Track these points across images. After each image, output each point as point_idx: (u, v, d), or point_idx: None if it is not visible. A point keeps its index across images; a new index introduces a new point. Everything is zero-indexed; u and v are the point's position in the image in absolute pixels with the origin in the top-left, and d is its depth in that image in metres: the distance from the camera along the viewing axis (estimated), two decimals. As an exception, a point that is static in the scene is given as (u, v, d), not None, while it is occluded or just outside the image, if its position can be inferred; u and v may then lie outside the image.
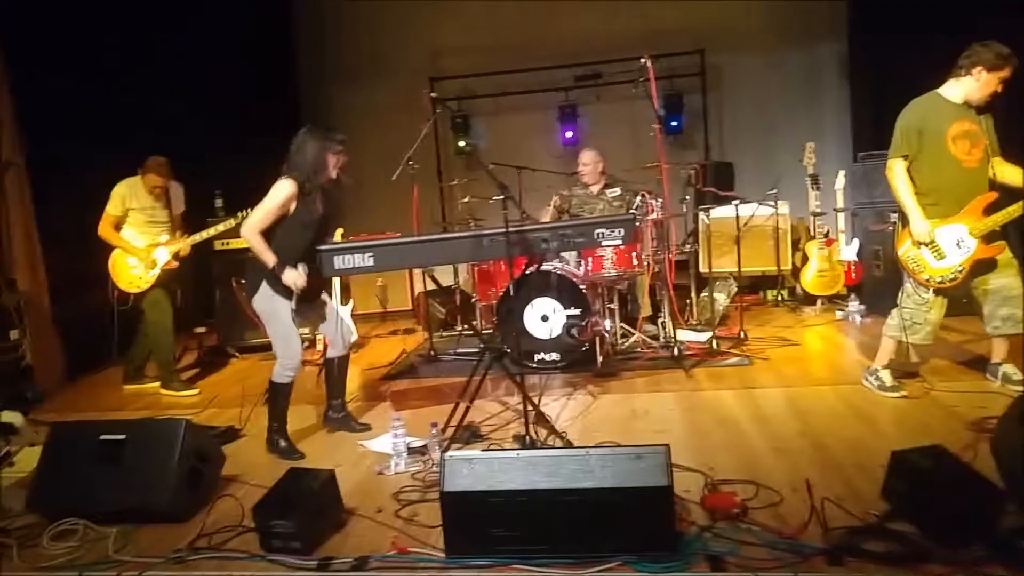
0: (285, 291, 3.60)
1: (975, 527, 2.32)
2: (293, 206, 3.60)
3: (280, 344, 3.73)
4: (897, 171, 3.76)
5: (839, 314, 6.03)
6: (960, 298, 3.89)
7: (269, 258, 3.55)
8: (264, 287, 3.63)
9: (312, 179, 3.60)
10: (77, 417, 4.46)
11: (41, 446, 3.25)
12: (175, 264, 5.11)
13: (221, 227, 5.23)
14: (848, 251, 6.23)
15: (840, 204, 6.32)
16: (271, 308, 3.66)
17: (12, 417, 3.42)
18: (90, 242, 5.03)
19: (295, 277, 3.55)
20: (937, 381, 4.07)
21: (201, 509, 3.03)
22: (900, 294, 3.92)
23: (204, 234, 5.21)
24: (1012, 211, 3.59)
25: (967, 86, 3.69)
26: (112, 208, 4.96)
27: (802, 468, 3.05)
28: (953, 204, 3.70)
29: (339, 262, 3.57)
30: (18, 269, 5.31)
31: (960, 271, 3.68)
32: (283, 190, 3.56)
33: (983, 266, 3.70)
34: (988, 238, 3.67)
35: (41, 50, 5.63)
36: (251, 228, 3.56)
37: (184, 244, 5.14)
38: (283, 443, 3.75)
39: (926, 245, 3.72)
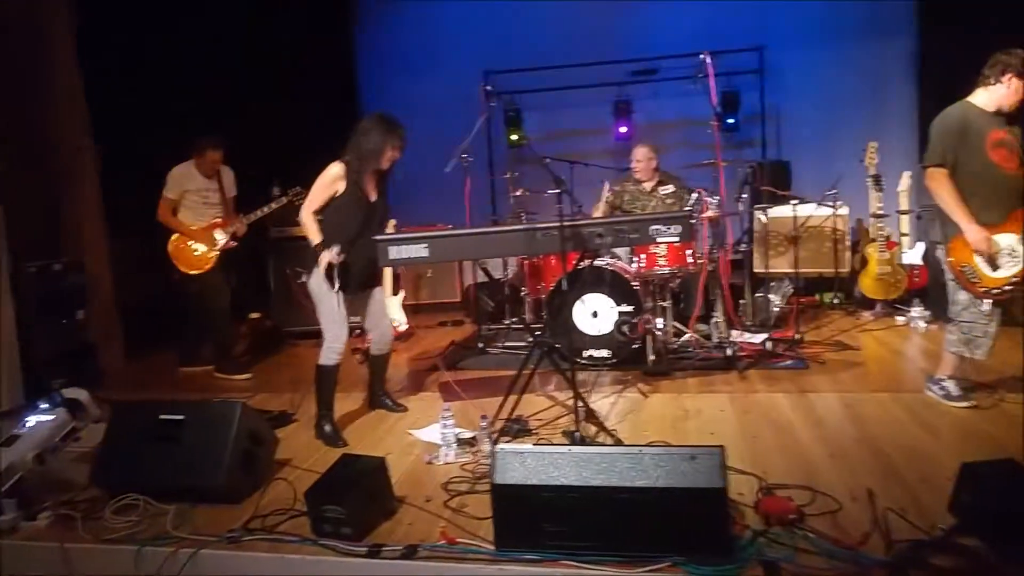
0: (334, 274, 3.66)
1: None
2: (341, 187, 3.69)
3: (327, 326, 3.79)
4: (941, 179, 3.64)
5: (900, 319, 5.85)
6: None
7: (314, 236, 3.65)
8: (317, 269, 3.70)
9: (363, 164, 3.68)
10: (135, 397, 4.56)
11: (105, 423, 3.34)
12: (232, 244, 5.21)
13: (274, 205, 5.31)
14: (912, 254, 6.04)
15: (903, 206, 6.13)
16: (321, 291, 3.73)
17: (78, 394, 3.51)
18: (150, 225, 5.15)
19: (327, 255, 3.59)
20: (1007, 392, 3.92)
21: (255, 491, 3.07)
22: (951, 308, 3.80)
23: (259, 213, 5.30)
24: None
25: (998, 94, 3.62)
26: (169, 192, 5.08)
27: (861, 477, 2.96)
28: (998, 212, 3.60)
29: (394, 252, 3.60)
30: (85, 251, 5.46)
31: (1015, 281, 3.58)
32: (329, 171, 3.69)
33: None
34: None
35: (110, 37, 5.78)
36: (304, 207, 3.72)
37: (240, 224, 5.23)
38: (327, 427, 3.79)
39: (982, 255, 3.60)
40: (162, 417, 3.15)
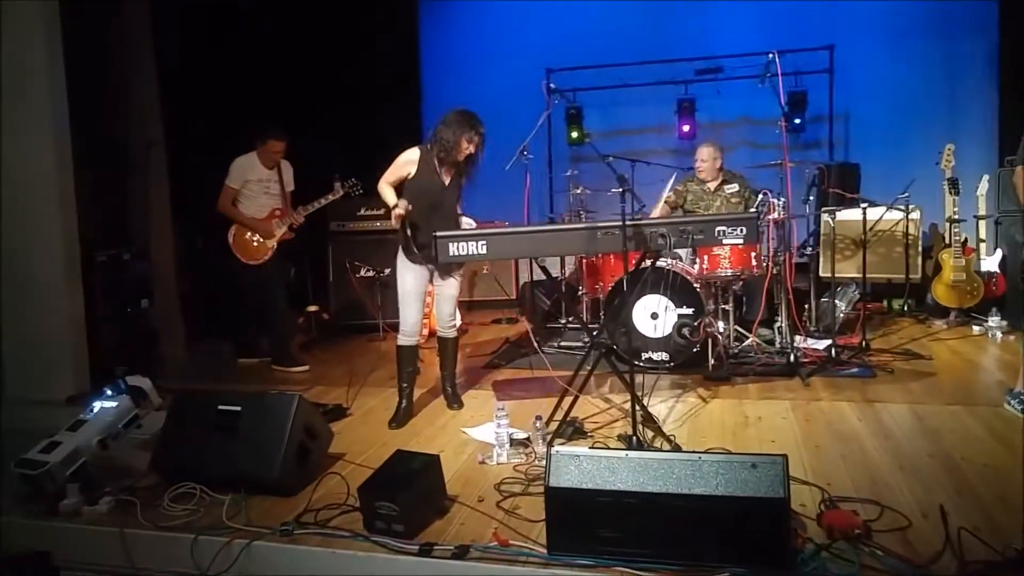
0: (412, 258, 3.93)
1: None
2: (412, 171, 3.94)
3: (400, 309, 4.05)
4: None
5: (976, 329, 5.60)
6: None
7: (390, 199, 3.89)
8: (399, 254, 4.00)
9: (438, 151, 3.92)
10: (195, 386, 4.64)
11: (165, 411, 3.40)
12: (291, 235, 5.27)
13: (331, 197, 5.38)
14: (990, 262, 5.78)
15: (982, 211, 5.86)
16: (398, 275, 4.03)
17: (141, 382, 3.60)
18: (212, 216, 5.25)
19: (397, 210, 3.81)
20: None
21: (308, 484, 3.09)
22: None
23: (317, 204, 5.35)
24: None
25: None
26: (231, 181, 5.15)
27: (933, 493, 2.82)
28: None
29: (453, 249, 3.61)
30: (151, 241, 5.58)
31: None
32: (405, 153, 4.00)
33: None
34: None
35: (184, 35, 5.95)
36: (382, 180, 4.00)
37: (298, 215, 5.28)
38: (402, 403, 4.03)
39: None
40: (220, 407, 3.18)
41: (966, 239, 5.79)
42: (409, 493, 2.65)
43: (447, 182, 4.00)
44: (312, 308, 6.54)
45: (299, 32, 7.18)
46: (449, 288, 4.14)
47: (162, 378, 4.76)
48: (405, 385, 4.06)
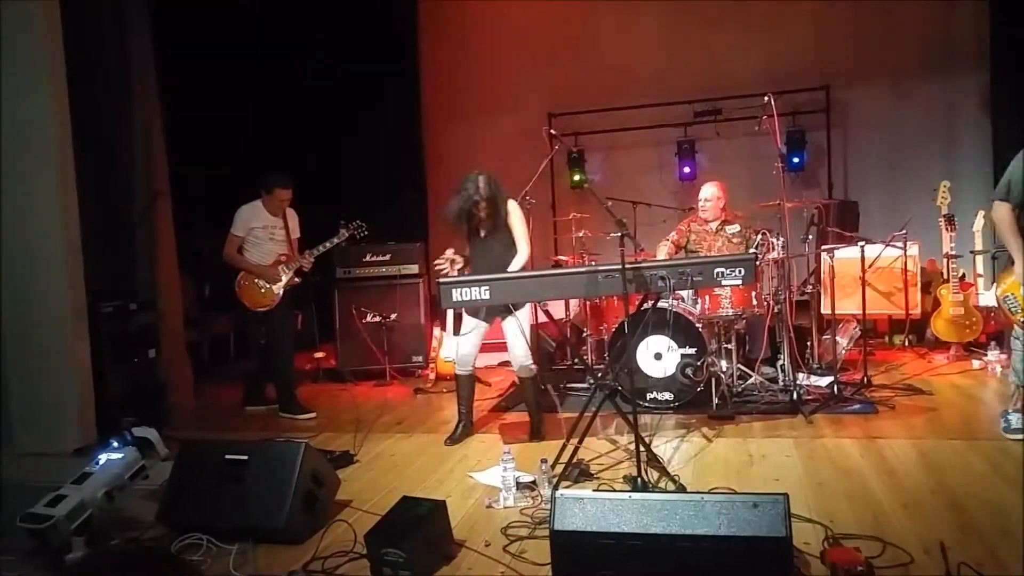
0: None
1: None
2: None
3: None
4: (1001, 213, 3.80)
5: (976, 363, 5.65)
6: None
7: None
8: None
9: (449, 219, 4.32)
10: (201, 435, 4.63)
11: (172, 461, 3.42)
12: (297, 281, 5.28)
13: (337, 240, 5.42)
14: (988, 296, 5.82)
15: (978, 246, 5.94)
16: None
17: (148, 433, 3.63)
18: (217, 264, 5.27)
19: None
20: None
21: (316, 532, 3.10)
22: (1011, 337, 3.96)
23: (323, 247, 5.38)
24: None
25: None
26: (236, 230, 5.18)
27: (935, 529, 2.86)
28: None
29: (456, 295, 3.70)
30: (158, 291, 5.61)
31: None
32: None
33: None
34: None
35: (187, 85, 6.08)
36: None
37: (305, 259, 5.29)
38: (457, 427, 4.43)
39: None
40: (227, 457, 3.20)
41: (964, 274, 5.86)
42: (416, 539, 2.67)
43: (483, 235, 4.30)
44: (319, 354, 6.59)
45: (304, 79, 7.35)
46: (510, 325, 4.31)
47: (170, 428, 4.81)
48: (459, 414, 4.48)
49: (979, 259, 5.94)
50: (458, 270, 4.26)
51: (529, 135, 6.88)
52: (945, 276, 5.87)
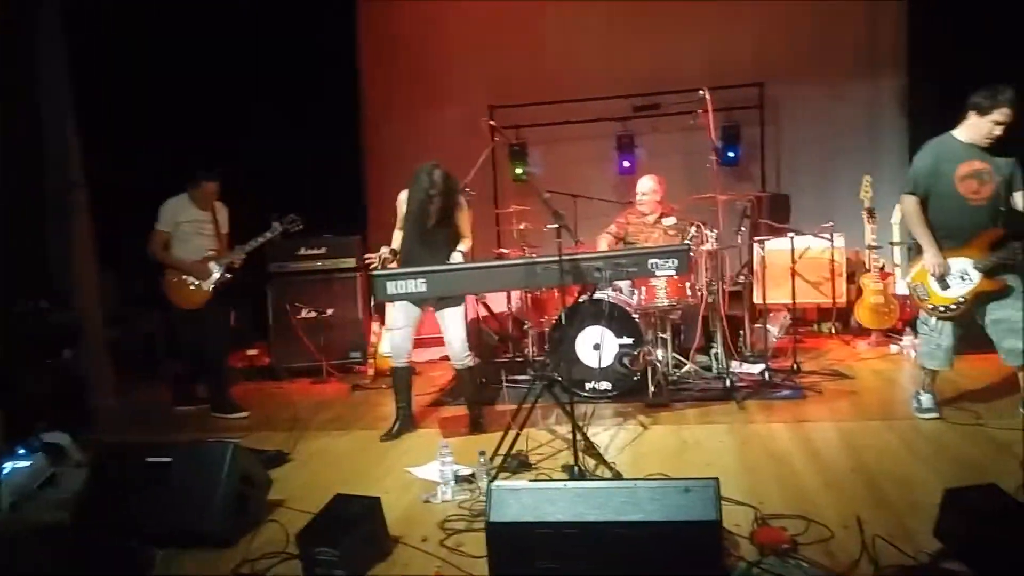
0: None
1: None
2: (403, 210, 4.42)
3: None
4: (909, 205, 4.02)
5: (893, 348, 5.94)
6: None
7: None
8: None
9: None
10: (127, 438, 4.54)
11: (87, 467, 3.28)
12: (228, 277, 5.13)
13: (269, 234, 5.25)
14: (904, 285, 6.11)
15: (896, 238, 6.23)
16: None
17: (59, 438, 3.47)
18: (143, 261, 5.08)
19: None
20: (993, 417, 4.02)
21: (247, 534, 3.05)
22: (918, 322, 4.22)
23: (255, 242, 5.22)
24: (1017, 249, 3.80)
25: (967, 128, 3.91)
26: (161, 225, 5.01)
27: (854, 504, 3.03)
28: (957, 239, 3.93)
29: (392, 288, 3.71)
30: (76, 288, 5.35)
31: (962, 301, 3.90)
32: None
33: (987, 297, 3.90)
34: (992, 272, 3.87)
35: (103, 71, 5.80)
36: None
37: (236, 255, 5.14)
38: (394, 423, 4.43)
39: (935, 276, 3.92)
40: (149, 460, 3.09)
41: (884, 264, 6.13)
42: (349, 537, 2.64)
43: (430, 225, 4.28)
44: (252, 352, 6.46)
45: (234, 68, 7.15)
46: (447, 318, 4.35)
47: (91, 431, 4.58)
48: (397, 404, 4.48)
49: (897, 250, 6.23)
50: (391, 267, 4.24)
51: (470, 127, 6.87)
52: (867, 266, 6.14)
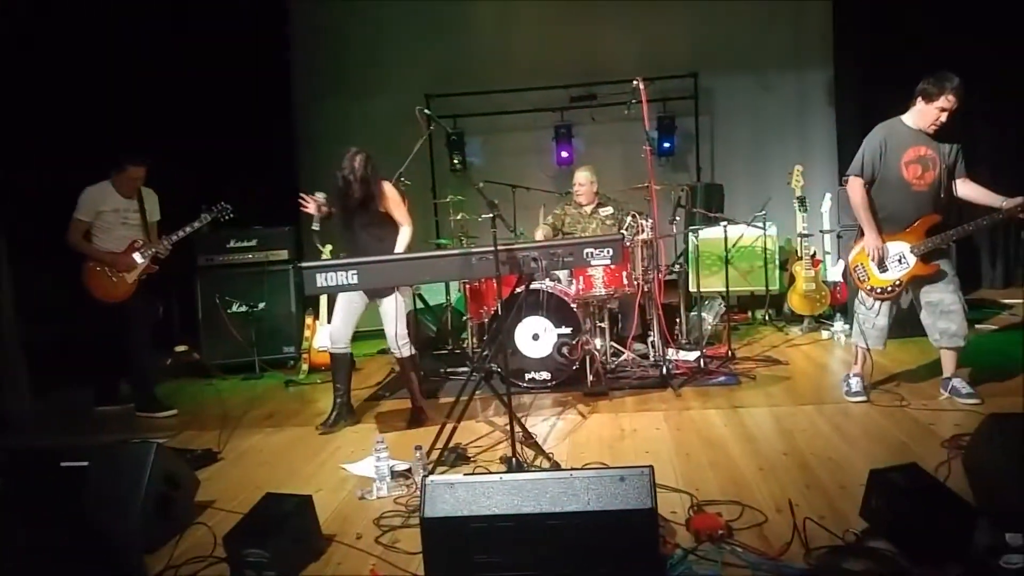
0: None
1: (950, 545, 2.35)
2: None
3: None
4: (854, 187, 4.11)
5: (825, 334, 6.11)
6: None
7: None
8: None
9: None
10: (43, 442, 4.35)
11: None
12: (154, 268, 4.93)
13: (197, 224, 5.05)
14: (834, 272, 6.30)
15: (826, 226, 6.40)
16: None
17: None
18: (61, 252, 4.81)
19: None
20: (916, 399, 4.16)
21: (171, 538, 2.94)
22: (855, 303, 4.31)
23: (183, 232, 4.99)
24: (949, 235, 3.93)
25: (914, 115, 3.99)
26: (81, 213, 4.75)
27: (786, 488, 3.08)
28: (899, 223, 4.04)
29: (321, 280, 3.61)
30: None
31: (899, 284, 4.04)
32: None
33: (922, 280, 4.04)
34: (927, 256, 3.99)
35: (16, 55, 5.49)
36: None
37: (162, 245, 4.92)
38: (332, 412, 4.42)
39: (872, 260, 4.04)
40: (64, 464, 2.95)
41: (814, 252, 6.29)
42: (280, 537, 2.57)
43: (351, 209, 4.27)
44: (180, 348, 6.26)
45: (162, 50, 6.87)
46: (385, 308, 4.31)
47: (1, 436, 4.38)
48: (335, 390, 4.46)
49: (827, 237, 6.39)
50: (320, 221, 4.21)
51: (406, 116, 6.77)
52: (798, 254, 6.29)
